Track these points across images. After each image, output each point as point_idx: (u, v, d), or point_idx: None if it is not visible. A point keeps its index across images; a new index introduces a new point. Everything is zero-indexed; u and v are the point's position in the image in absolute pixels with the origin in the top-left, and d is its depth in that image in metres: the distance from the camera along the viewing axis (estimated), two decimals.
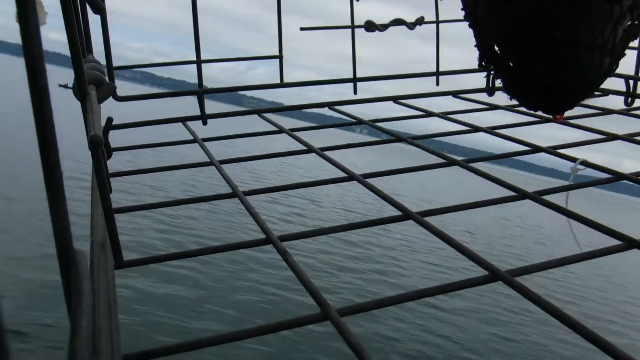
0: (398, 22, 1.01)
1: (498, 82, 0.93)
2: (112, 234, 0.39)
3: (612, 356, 0.32)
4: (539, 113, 0.72)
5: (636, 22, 0.58)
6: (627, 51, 0.60)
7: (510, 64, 0.62)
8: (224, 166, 0.68)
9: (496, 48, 0.63)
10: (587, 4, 0.56)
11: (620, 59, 0.61)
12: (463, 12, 0.65)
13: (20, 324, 5.31)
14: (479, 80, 0.96)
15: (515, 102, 0.68)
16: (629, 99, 0.85)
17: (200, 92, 0.83)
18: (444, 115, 0.86)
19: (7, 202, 8.76)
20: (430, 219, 0.51)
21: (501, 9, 0.60)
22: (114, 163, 0.63)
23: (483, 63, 0.66)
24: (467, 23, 0.65)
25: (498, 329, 9.98)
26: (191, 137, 0.78)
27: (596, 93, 0.85)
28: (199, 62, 0.86)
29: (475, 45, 0.65)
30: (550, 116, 0.76)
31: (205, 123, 0.83)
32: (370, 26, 0.98)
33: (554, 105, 0.65)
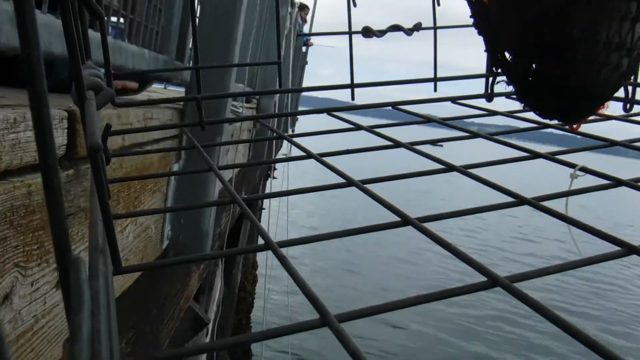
0: (396, 28, 1.01)
1: (499, 89, 0.93)
2: (111, 239, 0.39)
3: None
4: (540, 119, 0.72)
5: None
6: None
7: (524, 69, 0.60)
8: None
9: (507, 55, 0.61)
10: (604, 2, 0.55)
11: (639, 61, 0.59)
12: (472, 20, 0.63)
13: None
14: (478, 86, 0.96)
15: (527, 109, 0.66)
16: (628, 105, 0.85)
17: (199, 97, 0.83)
18: (443, 121, 0.86)
19: None
20: (428, 225, 0.51)
21: (513, 11, 0.58)
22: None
23: (494, 70, 0.64)
24: (474, 31, 0.64)
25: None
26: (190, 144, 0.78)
27: None
28: (197, 68, 0.86)
29: (485, 51, 0.63)
30: (567, 126, 0.73)
31: (204, 129, 0.83)
32: (367, 32, 0.98)
33: (572, 111, 0.62)
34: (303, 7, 8.00)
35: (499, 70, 0.65)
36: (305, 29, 9.14)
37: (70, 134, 0.87)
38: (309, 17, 9.21)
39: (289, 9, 5.42)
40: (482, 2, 0.62)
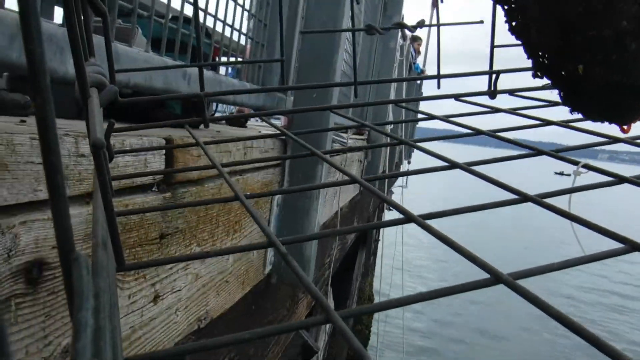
0: (399, 25, 1.01)
1: (500, 86, 0.93)
2: (114, 236, 0.39)
3: (613, 359, 0.32)
4: (543, 117, 0.71)
5: None
6: None
7: (571, 71, 0.57)
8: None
9: (550, 57, 0.58)
10: None
11: None
12: (507, 25, 0.59)
13: None
14: (481, 83, 0.96)
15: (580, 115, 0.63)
16: None
17: (202, 95, 0.83)
18: (446, 118, 0.86)
19: None
20: (432, 222, 0.51)
21: (556, 6, 0.54)
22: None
23: (538, 75, 0.60)
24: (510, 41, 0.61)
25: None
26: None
27: None
28: (200, 65, 0.86)
29: (528, 57, 0.59)
30: (618, 126, 0.70)
31: (207, 126, 0.83)
32: (371, 29, 0.98)
33: (625, 111, 0.59)
34: (416, 39, 7.99)
35: (544, 76, 0.61)
36: (419, 61, 9.18)
37: (167, 159, 0.91)
38: (422, 49, 9.25)
39: (400, 41, 5.46)
40: (519, 5, 0.59)
